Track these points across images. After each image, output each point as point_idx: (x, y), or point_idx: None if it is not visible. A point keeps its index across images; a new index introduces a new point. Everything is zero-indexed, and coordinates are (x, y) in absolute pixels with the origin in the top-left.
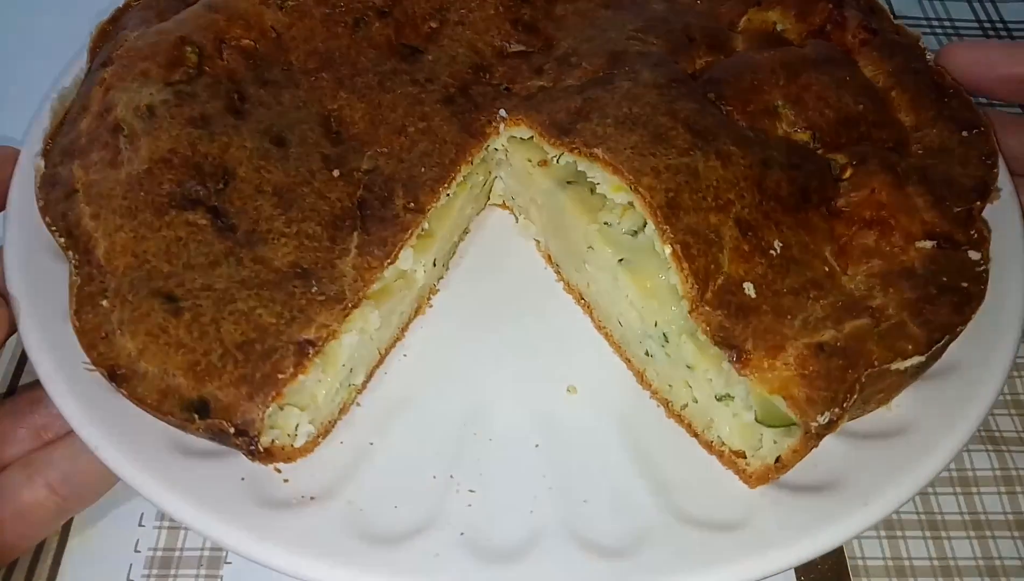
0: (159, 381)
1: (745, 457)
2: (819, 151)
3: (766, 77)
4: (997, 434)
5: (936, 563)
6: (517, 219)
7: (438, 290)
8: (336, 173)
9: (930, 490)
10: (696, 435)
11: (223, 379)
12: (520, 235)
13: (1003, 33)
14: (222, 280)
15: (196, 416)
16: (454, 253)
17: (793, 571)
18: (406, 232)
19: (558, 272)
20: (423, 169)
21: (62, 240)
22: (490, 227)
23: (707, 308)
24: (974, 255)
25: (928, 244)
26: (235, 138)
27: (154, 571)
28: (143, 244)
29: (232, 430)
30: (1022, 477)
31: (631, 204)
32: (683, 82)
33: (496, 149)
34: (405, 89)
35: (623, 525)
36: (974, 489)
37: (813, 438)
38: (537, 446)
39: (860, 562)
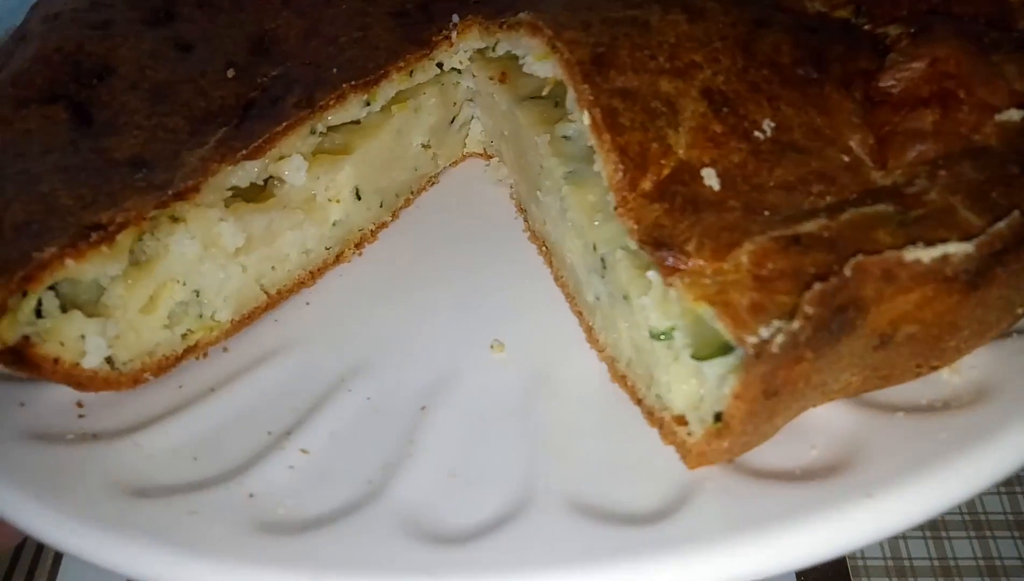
0: None
1: (687, 423)
2: (865, 27)
3: None
4: None
5: (936, 563)
6: (489, 163)
7: (376, 239)
8: (231, 73)
9: None
10: (640, 401)
11: None
12: (493, 183)
13: None
14: (44, 166)
15: None
16: (407, 201)
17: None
18: (280, 125)
19: (526, 219)
20: (335, 71)
21: None
22: (465, 179)
23: (641, 200)
24: None
25: (1016, 115)
26: (131, 40)
27: None
28: None
29: None
30: (1022, 478)
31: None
32: None
33: (458, 71)
34: (352, 4)
35: (484, 505)
36: None
37: (758, 365)
38: (423, 409)
39: (860, 562)
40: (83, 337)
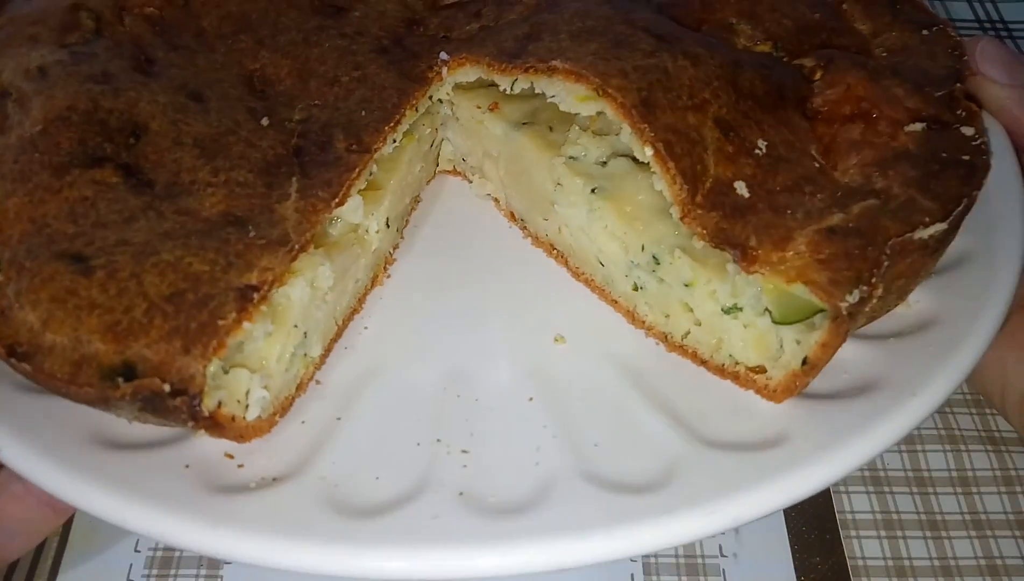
0: (71, 351)
1: (765, 371)
2: (783, 59)
3: None
4: (997, 434)
5: (937, 563)
6: (471, 181)
7: (395, 259)
8: (265, 121)
9: (930, 490)
10: (704, 363)
11: (151, 335)
12: (477, 197)
13: (1003, 33)
14: (140, 234)
15: (121, 380)
16: (407, 221)
17: (793, 571)
18: (352, 171)
19: (524, 228)
20: (363, 113)
21: None
22: (443, 195)
23: (700, 211)
24: (967, 131)
25: (918, 126)
26: (144, 93)
27: (154, 571)
28: (41, 208)
29: (168, 389)
30: (1022, 477)
31: (600, 115)
32: (635, 0)
33: (440, 101)
34: (334, 43)
35: (646, 460)
36: (974, 489)
37: (844, 321)
38: (531, 399)
39: (860, 562)
40: (248, 392)
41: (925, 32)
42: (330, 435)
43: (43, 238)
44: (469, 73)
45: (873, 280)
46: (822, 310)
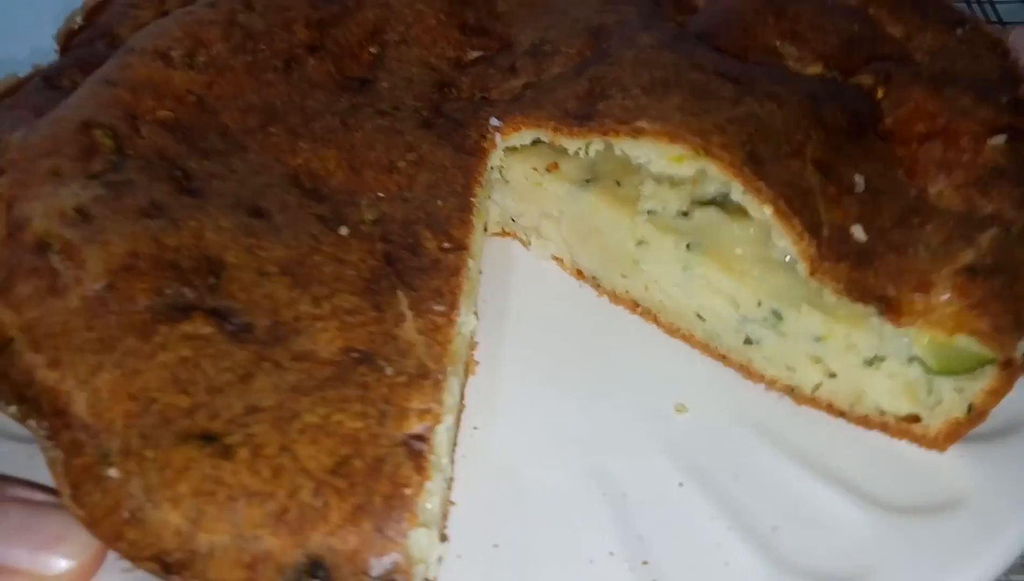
0: (237, 552)
1: (920, 419)
2: (838, 79)
3: (753, 19)
4: None
5: None
6: (527, 243)
7: (477, 342)
8: (344, 231)
9: None
10: (842, 413)
11: (331, 521)
12: (537, 258)
13: None
14: (267, 394)
15: None
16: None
17: None
18: (458, 275)
19: (597, 286)
20: (439, 202)
21: (13, 409)
22: (494, 260)
23: (828, 264)
24: None
25: (1000, 139)
26: (205, 220)
27: None
28: (138, 380)
29: None
30: None
31: (700, 174)
32: (684, 39)
33: (491, 167)
34: (374, 123)
35: (835, 540)
36: None
37: (1018, 370)
38: (681, 485)
39: None
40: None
41: (959, 31)
42: (498, 570)
43: (155, 418)
44: (525, 137)
45: None
46: (991, 360)
